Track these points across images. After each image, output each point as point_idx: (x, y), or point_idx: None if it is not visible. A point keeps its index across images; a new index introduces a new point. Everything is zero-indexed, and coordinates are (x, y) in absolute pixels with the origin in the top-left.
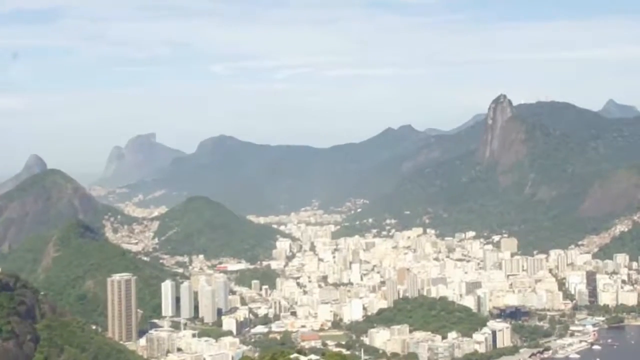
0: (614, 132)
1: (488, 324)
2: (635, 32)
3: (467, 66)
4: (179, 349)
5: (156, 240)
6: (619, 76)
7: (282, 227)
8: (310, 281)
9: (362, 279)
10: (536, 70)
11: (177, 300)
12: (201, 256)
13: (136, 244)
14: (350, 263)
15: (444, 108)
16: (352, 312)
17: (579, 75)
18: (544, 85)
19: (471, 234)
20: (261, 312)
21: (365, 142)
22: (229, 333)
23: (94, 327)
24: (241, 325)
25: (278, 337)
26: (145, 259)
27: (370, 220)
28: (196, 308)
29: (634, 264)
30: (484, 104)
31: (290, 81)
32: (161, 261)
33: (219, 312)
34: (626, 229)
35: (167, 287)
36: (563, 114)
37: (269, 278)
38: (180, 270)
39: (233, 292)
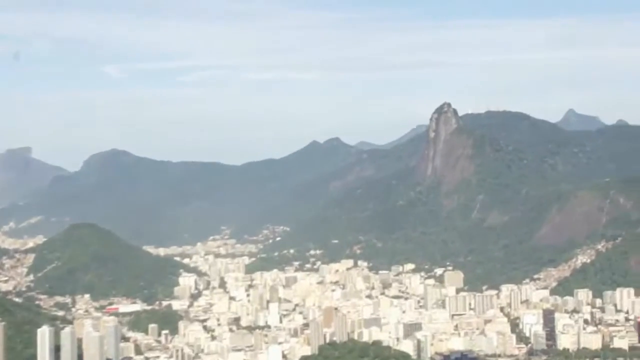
0: (574, 147)
1: None
2: (598, 34)
3: (406, 70)
4: None
5: (31, 277)
6: (580, 83)
7: (185, 260)
8: (219, 324)
9: (281, 321)
10: (486, 76)
11: (57, 349)
12: (87, 296)
13: (6, 281)
14: (268, 302)
15: (379, 118)
16: None
17: (535, 81)
18: (495, 93)
19: (410, 266)
20: None
21: (286, 158)
22: None
23: None
24: None
25: None
26: (17, 300)
27: (291, 250)
28: (80, 358)
29: (598, 301)
30: (425, 113)
31: (199, 85)
32: (37, 302)
33: None
34: (589, 260)
35: (44, 334)
36: (516, 126)
37: (169, 321)
38: (61, 313)
39: (126, 339)
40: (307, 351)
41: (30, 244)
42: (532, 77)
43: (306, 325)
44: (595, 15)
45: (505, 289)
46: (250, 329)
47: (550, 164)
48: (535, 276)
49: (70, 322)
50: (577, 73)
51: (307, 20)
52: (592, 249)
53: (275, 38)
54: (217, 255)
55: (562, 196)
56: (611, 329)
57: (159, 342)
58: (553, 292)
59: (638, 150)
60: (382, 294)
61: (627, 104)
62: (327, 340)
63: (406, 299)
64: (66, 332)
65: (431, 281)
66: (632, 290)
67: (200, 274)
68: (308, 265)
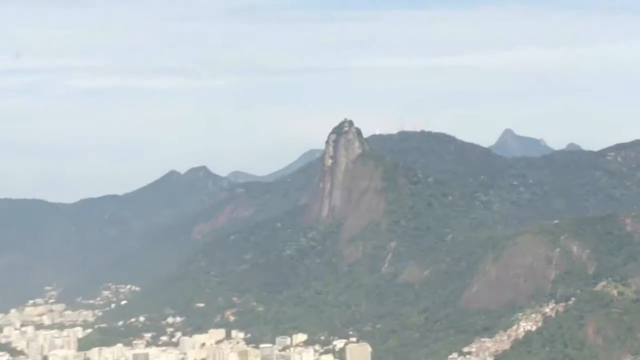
0: (513, 179)
1: None
2: (542, 33)
3: (293, 77)
4: None
5: None
6: (519, 95)
7: None
8: None
9: None
10: (398, 85)
11: None
12: None
13: None
14: None
15: (259, 141)
16: None
17: (462, 92)
18: (411, 108)
19: (301, 337)
20: None
21: (134, 194)
22: None
23: None
24: None
25: None
26: None
27: (141, 318)
28: None
29: None
30: (320, 134)
31: (10, 96)
32: None
33: None
34: (534, 328)
35: None
36: (439, 151)
37: None
38: None
39: None
40: None
41: None
42: (459, 87)
43: None
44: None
45: None
46: None
47: (482, 200)
48: (465, 349)
49: None
50: (517, 83)
51: (158, 12)
52: (538, 313)
53: (114, 32)
54: (39, 326)
55: (499, 243)
56: None
57: None
58: None
59: (594, 183)
60: None
61: (579, 123)
62: None
63: None
64: None
65: (329, 357)
66: None
67: (14, 352)
68: (164, 338)
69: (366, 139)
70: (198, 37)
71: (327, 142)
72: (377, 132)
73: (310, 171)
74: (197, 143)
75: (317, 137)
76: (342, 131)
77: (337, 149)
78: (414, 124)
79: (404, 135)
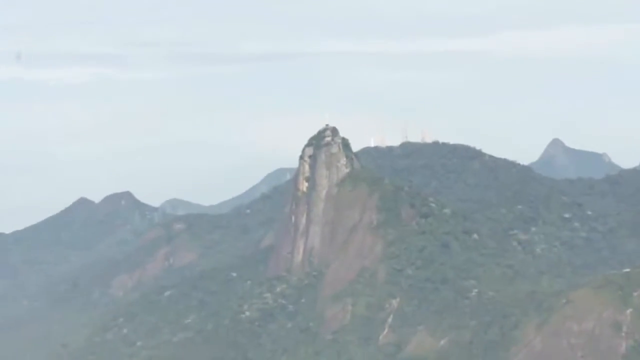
0: (565, 209)
1: None
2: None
3: (250, 66)
4: None
5: None
6: (571, 92)
7: None
8: None
9: None
10: (397, 78)
11: None
12: None
13: None
14: None
15: (206, 157)
16: None
17: (485, 87)
18: (417, 110)
19: None
20: None
21: (26, 232)
22: None
23: None
24: None
25: None
26: None
27: None
28: None
29: None
30: (291, 147)
31: None
32: None
33: None
34: None
35: None
36: (459, 171)
37: None
38: None
39: None
40: None
41: None
42: (482, 79)
43: None
44: None
45: None
46: None
47: (521, 240)
48: None
49: None
50: (566, 73)
51: None
52: None
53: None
54: None
55: (545, 302)
56: None
57: None
58: None
59: None
60: None
61: None
62: None
63: None
64: None
65: None
66: None
67: None
68: None
69: (356, 154)
70: (121, 14)
71: (301, 158)
72: (372, 144)
73: (278, 199)
74: (118, 160)
75: (286, 151)
76: (323, 142)
77: (316, 167)
78: (422, 133)
79: (409, 149)
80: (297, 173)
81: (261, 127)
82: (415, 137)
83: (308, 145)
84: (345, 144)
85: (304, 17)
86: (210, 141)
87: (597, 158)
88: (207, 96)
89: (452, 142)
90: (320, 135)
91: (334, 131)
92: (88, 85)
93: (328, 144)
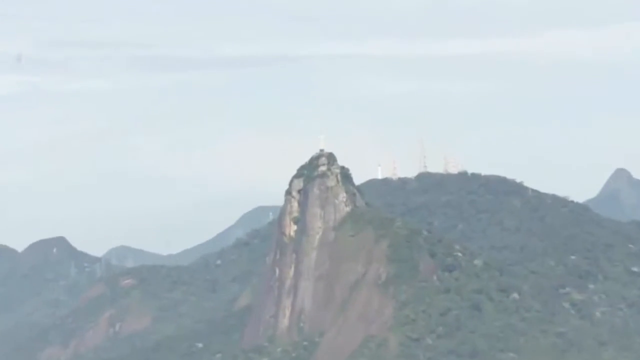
0: (634, 260)
1: None
2: None
3: (220, 72)
4: None
5: None
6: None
7: None
8: None
9: None
10: (410, 88)
11: None
12: None
13: None
14: None
15: (163, 193)
16: None
17: (522, 99)
18: (436, 130)
19: None
20: None
21: None
22: None
23: None
24: None
25: None
26: None
27: None
28: None
29: None
30: (274, 180)
31: None
32: None
33: None
34: None
35: None
36: (494, 210)
37: None
38: None
39: None
40: None
41: None
42: (519, 88)
43: None
44: None
45: None
46: None
47: (575, 301)
48: None
49: None
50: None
51: None
52: None
53: None
54: None
55: None
56: None
57: None
58: None
59: None
60: None
61: None
62: None
63: None
64: None
65: None
66: None
67: None
68: None
69: (359, 188)
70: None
71: (287, 193)
72: (380, 175)
73: (258, 247)
74: (48, 196)
75: (269, 185)
76: (316, 173)
77: (307, 205)
78: (445, 160)
79: (428, 181)
80: (282, 213)
81: (237, 153)
82: (436, 166)
83: (297, 176)
84: (345, 174)
85: (294, 13)
86: (170, 172)
87: None
88: (168, 112)
89: (484, 172)
90: (312, 163)
91: (331, 158)
92: (10, 97)
93: (323, 175)
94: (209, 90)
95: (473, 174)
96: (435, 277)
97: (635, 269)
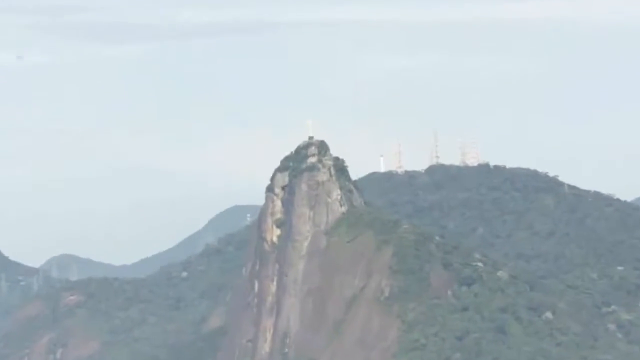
0: None
1: None
2: None
3: (184, 43)
4: None
5: None
6: None
7: None
8: None
9: None
10: (418, 63)
11: None
12: None
13: None
14: None
15: (114, 190)
16: None
17: (573, 80)
18: (452, 113)
19: None
20: None
21: None
22: None
23: None
24: None
25: None
26: None
27: None
28: None
29: None
30: (252, 173)
31: None
32: None
33: None
34: None
35: None
36: (522, 211)
37: None
38: None
39: None
40: None
41: None
42: (566, 65)
43: None
44: None
45: None
46: None
47: (621, 322)
48: None
49: None
50: None
51: None
52: None
53: None
54: None
55: None
56: None
57: None
58: None
59: None
60: None
61: None
62: None
63: None
64: None
65: None
66: None
67: None
68: None
69: (357, 183)
70: None
71: (269, 190)
72: (382, 168)
73: (232, 255)
74: None
75: (246, 180)
76: (304, 166)
77: (293, 205)
78: (462, 150)
79: (442, 175)
80: (262, 213)
81: (206, 142)
82: (450, 157)
83: (280, 169)
84: (340, 167)
85: None
86: (123, 164)
87: None
88: (119, 90)
89: (509, 164)
90: (300, 153)
91: (322, 147)
92: None
93: (312, 168)
94: (168, 65)
95: (496, 167)
96: (449, 293)
97: None
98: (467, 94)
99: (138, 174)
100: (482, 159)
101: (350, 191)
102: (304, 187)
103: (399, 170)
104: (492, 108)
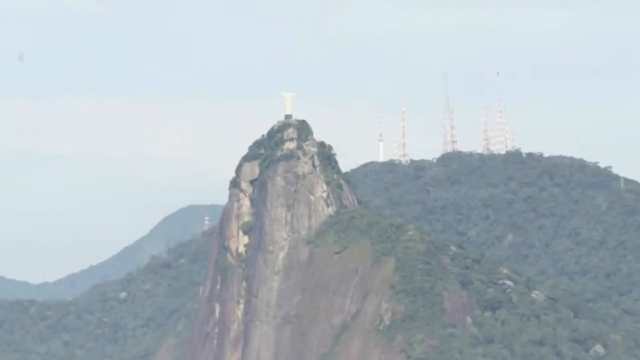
0: None
1: None
2: None
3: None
4: None
5: None
6: None
7: None
8: None
9: None
10: (438, 19)
11: None
12: None
13: None
14: None
15: (10, 201)
16: None
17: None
18: (476, 88)
19: None
20: None
21: None
22: None
23: None
24: None
25: None
26: None
27: None
28: None
29: None
30: (211, 162)
31: None
32: None
33: None
34: None
35: None
36: (566, 211)
37: None
38: None
39: None
40: None
41: None
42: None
43: None
44: None
45: None
46: None
47: None
48: None
49: None
50: None
51: None
52: None
53: None
54: None
55: None
56: None
57: None
58: None
59: None
60: None
61: None
62: None
63: None
64: None
65: None
66: None
67: None
68: None
69: (348, 175)
70: None
71: (233, 185)
72: (381, 157)
73: (185, 270)
74: None
75: (202, 172)
76: (279, 153)
77: (265, 204)
78: (485, 134)
79: (459, 165)
80: (225, 216)
81: (150, 121)
82: (470, 142)
83: (248, 158)
84: (327, 155)
85: None
86: (41, 153)
87: None
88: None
89: (547, 152)
90: (274, 137)
91: (303, 129)
92: None
93: (290, 156)
94: (101, 23)
95: (530, 155)
96: (469, 320)
97: None
98: (493, 59)
99: (63, 167)
100: (512, 145)
101: (340, 187)
102: (279, 181)
103: (403, 159)
104: (526, 79)
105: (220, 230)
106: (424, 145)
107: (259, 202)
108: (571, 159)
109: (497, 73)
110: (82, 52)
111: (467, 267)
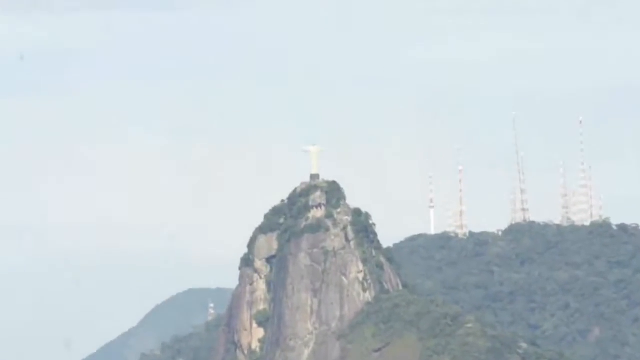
0: None
1: None
2: None
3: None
4: None
5: None
6: None
7: None
8: None
9: None
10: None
11: None
12: None
13: None
14: None
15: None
16: None
17: None
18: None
19: None
20: None
21: None
22: None
23: None
24: None
25: None
26: None
27: None
28: None
29: None
30: (211, 238)
31: None
32: None
33: None
34: None
35: None
36: None
37: None
38: None
39: None
40: None
41: None
42: None
43: None
44: None
45: None
46: None
47: None
48: None
49: None
50: None
51: None
52: None
53: None
54: None
55: None
56: None
57: None
58: None
59: None
60: None
61: None
62: None
63: None
64: None
65: None
66: None
67: None
68: None
69: (390, 252)
70: None
71: (245, 263)
72: (433, 229)
73: None
74: None
75: (207, 247)
76: (303, 223)
77: (285, 288)
78: (565, 200)
79: (531, 239)
80: (235, 303)
81: (140, 183)
82: (545, 210)
83: (265, 229)
84: (364, 226)
85: None
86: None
87: None
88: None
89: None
90: (296, 202)
91: (334, 192)
92: None
93: (318, 228)
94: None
95: (622, 227)
96: None
97: None
98: (568, 103)
99: (27, 235)
100: (599, 215)
101: (380, 266)
102: (303, 258)
103: (460, 232)
104: (612, 129)
105: (229, 321)
106: (487, 214)
107: (277, 286)
108: None
109: (580, 122)
110: None
111: None
